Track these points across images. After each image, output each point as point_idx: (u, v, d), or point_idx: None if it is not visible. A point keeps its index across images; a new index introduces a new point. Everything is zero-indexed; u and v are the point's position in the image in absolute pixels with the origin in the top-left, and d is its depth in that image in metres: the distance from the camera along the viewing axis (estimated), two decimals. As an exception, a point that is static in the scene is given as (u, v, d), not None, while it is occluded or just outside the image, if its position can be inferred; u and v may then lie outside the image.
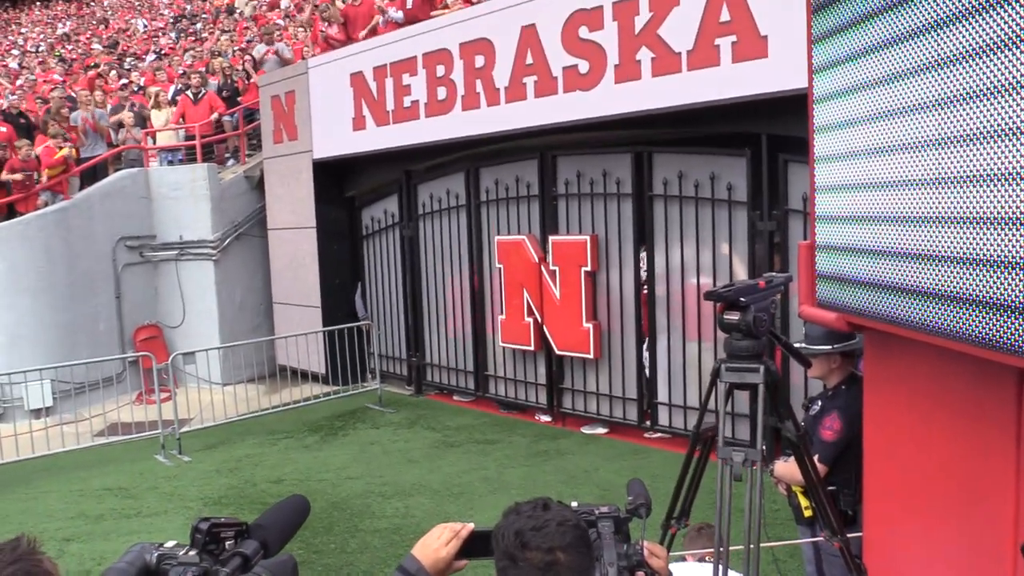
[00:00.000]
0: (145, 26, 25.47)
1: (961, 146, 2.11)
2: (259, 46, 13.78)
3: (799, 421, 2.81)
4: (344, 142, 10.01)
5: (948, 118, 2.15)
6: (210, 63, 14.05)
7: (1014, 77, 1.90)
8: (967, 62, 2.06)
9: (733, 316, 2.39)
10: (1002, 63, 1.93)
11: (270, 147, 11.19)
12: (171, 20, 24.96)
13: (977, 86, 2.02)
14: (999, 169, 1.97)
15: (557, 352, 8.06)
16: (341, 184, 10.67)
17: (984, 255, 2.04)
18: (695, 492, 2.88)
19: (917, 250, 2.36)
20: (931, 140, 2.24)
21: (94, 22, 29.04)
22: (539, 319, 8.11)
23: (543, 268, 8.03)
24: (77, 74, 17.58)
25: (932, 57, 2.21)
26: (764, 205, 6.48)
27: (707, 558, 2.74)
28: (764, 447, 2.37)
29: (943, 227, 2.22)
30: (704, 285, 6.76)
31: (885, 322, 2.60)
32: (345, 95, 9.85)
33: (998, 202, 1.98)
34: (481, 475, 6.84)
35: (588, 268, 7.64)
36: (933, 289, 2.29)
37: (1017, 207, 1.92)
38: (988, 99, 1.99)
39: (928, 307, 2.32)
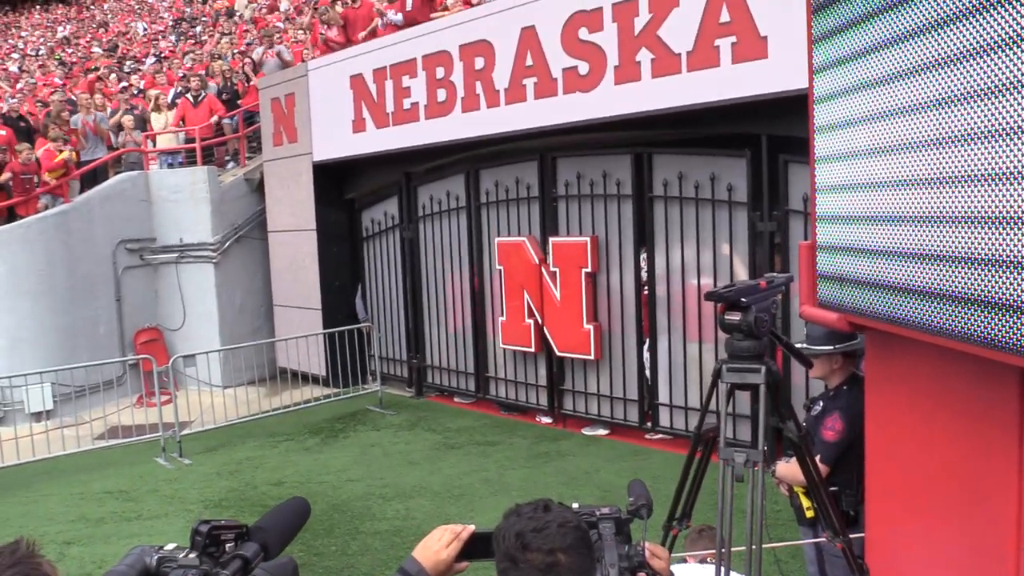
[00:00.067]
0: (145, 29, 25.49)
1: (962, 145, 2.10)
2: (259, 49, 13.78)
3: (800, 421, 2.80)
4: (344, 144, 10.01)
5: (949, 117, 2.15)
6: (210, 66, 14.04)
7: (1014, 76, 1.89)
8: (967, 62, 2.05)
9: (734, 316, 2.38)
10: (1002, 62, 1.93)
11: (270, 150, 11.19)
12: (171, 23, 24.98)
13: (978, 85, 2.02)
14: (1000, 168, 1.97)
15: (558, 353, 8.05)
16: (341, 186, 10.67)
17: (985, 254, 2.04)
18: (696, 493, 2.87)
19: (918, 250, 2.35)
20: (932, 140, 2.24)
21: (94, 25, 29.07)
22: (539, 320, 8.10)
23: (543, 269, 8.03)
24: (77, 77, 17.58)
25: (932, 57, 2.20)
26: (764, 206, 6.47)
27: (708, 559, 2.74)
28: (766, 448, 2.37)
29: (944, 227, 2.22)
30: (705, 286, 6.75)
31: (886, 322, 2.59)
32: (345, 97, 9.85)
33: (999, 201, 1.98)
34: (482, 477, 6.84)
35: (588, 269, 7.64)
36: (934, 289, 2.28)
37: (1018, 206, 1.92)
38: (989, 98, 1.99)
39: (929, 307, 2.31)
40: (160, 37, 23.52)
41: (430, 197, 9.48)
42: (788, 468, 3.43)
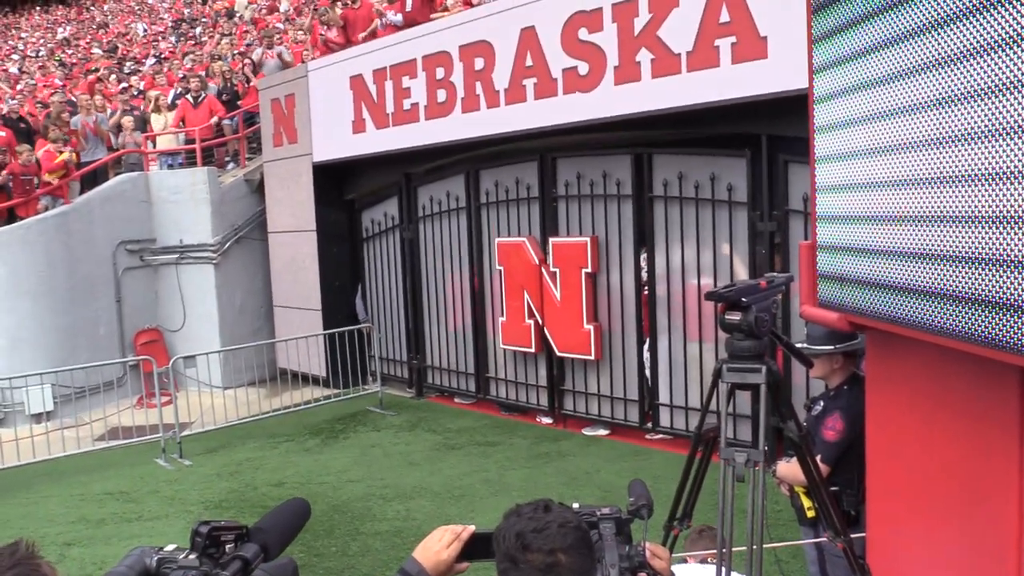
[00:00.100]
0: (145, 30, 25.50)
1: (963, 145, 2.10)
2: (259, 49, 13.78)
3: (801, 421, 2.80)
4: (344, 145, 10.01)
5: (949, 117, 2.15)
6: (210, 67, 14.05)
7: (1014, 76, 1.89)
8: (968, 61, 2.05)
9: (735, 316, 2.38)
10: (1002, 61, 1.93)
11: (270, 150, 11.19)
12: (171, 24, 24.98)
13: (978, 85, 2.02)
14: (1000, 168, 1.96)
15: (558, 354, 8.05)
16: (341, 187, 10.66)
17: (986, 253, 2.04)
18: (697, 493, 2.87)
19: (919, 249, 2.35)
20: (932, 139, 2.24)
21: (94, 26, 29.08)
22: (540, 321, 8.10)
23: (543, 270, 8.03)
24: (77, 79, 17.59)
25: (932, 56, 2.20)
26: (764, 206, 6.47)
27: (709, 559, 2.73)
28: (766, 448, 2.36)
29: (944, 226, 2.21)
30: (705, 286, 6.75)
31: (887, 322, 2.59)
32: (345, 98, 9.85)
33: (999, 200, 1.98)
34: (482, 477, 6.83)
35: (588, 269, 7.64)
36: (935, 288, 2.28)
37: (1018, 206, 1.92)
38: (989, 97, 1.98)
39: (930, 306, 2.31)
40: (160, 38, 23.53)
41: (430, 197, 9.48)
42: (789, 468, 3.43)
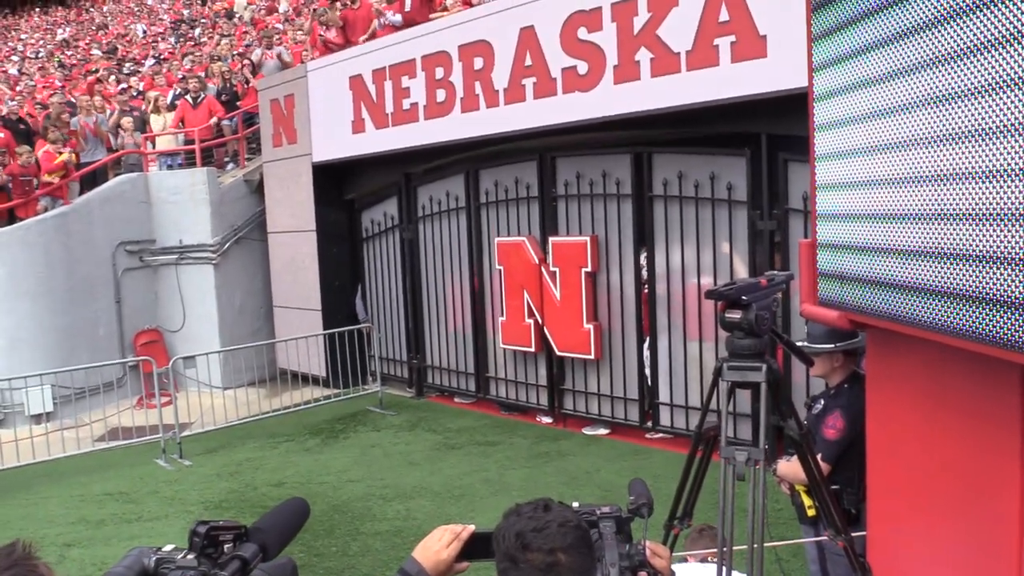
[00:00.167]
0: (144, 31, 25.49)
1: (963, 142, 2.09)
2: (258, 50, 13.78)
3: (802, 420, 2.79)
4: (343, 145, 10.01)
5: (949, 114, 2.14)
6: (209, 67, 14.03)
7: (1014, 73, 1.89)
8: (968, 58, 2.05)
9: (735, 315, 2.37)
10: (1002, 59, 1.92)
11: (269, 151, 11.18)
12: (170, 25, 24.98)
13: (978, 82, 2.01)
14: (1000, 165, 1.96)
15: (558, 353, 8.04)
16: (340, 187, 10.66)
17: (987, 251, 2.03)
18: (698, 492, 2.86)
19: (919, 247, 2.34)
20: (932, 136, 2.23)
21: (93, 28, 29.07)
22: (540, 320, 8.09)
23: (543, 269, 8.02)
24: (76, 80, 17.58)
25: (933, 53, 2.20)
26: (764, 204, 6.47)
27: (709, 559, 2.73)
28: (767, 446, 2.36)
29: (945, 224, 2.21)
30: (704, 285, 6.74)
31: (887, 320, 2.58)
32: (344, 98, 9.84)
33: (999, 198, 1.97)
34: (482, 477, 6.83)
35: (588, 269, 7.63)
36: (936, 286, 2.27)
37: (1018, 202, 1.91)
38: (989, 95, 1.98)
39: (930, 304, 2.31)
40: (159, 39, 23.52)
41: (430, 197, 9.48)
42: (789, 466, 3.42)
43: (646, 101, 6.77)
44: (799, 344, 3.29)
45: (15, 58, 25.72)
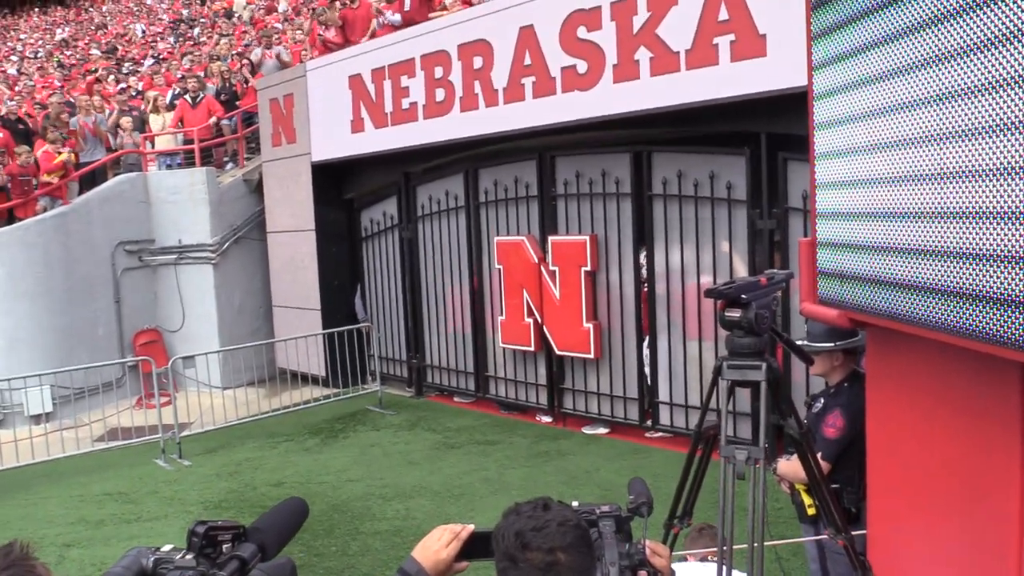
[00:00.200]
0: (143, 31, 25.47)
1: (963, 140, 2.09)
2: (257, 50, 13.77)
3: (802, 418, 2.79)
4: (343, 144, 10.00)
5: (949, 113, 2.14)
6: (208, 67, 14.03)
7: (1015, 71, 1.88)
8: (968, 57, 2.04)
9: (735, 313, 2.37)
10: (1002, 58, 1.92)
11: (269, 150, 11.18)
12: (169, 25, 24.96)
13: (978, 81, 2.01)
14: (1000, 163, 1.96)
15: (557, 352, 8.04)
16: (340, 186, 10.65)
17: (986, 250, 2.03)
18: (697, 491, 2.86)
19: (919, 245, 2.34)
20: (932, 135, 2.23)
21: (92, 27, 29.06)
22: (539, 319, 8.09)
23: (543, 268, 8.02)
24: (75, 79, 17.57)
25: (932, 52, 2.19)
26: (764, 203, 6.47)
27: (709, 558, 2.73)
28: (767, 445, 2.35)
29: (945, 222, 2.21)
30: (704, 284, 6.74)
31: (887, 318, 2.58)
32: (343, 98, 9.84)
33: (999, 196, 1.97)
34: (482, 476, 6.83)
35: (588, 268, 7.63)
36: (935, 284, 2.27)
37: (1018, 201, 1.91)
38: (989, 93, 1.98)
39: (930, 303, 2.30)
40: (158, 39, 23.51)
41: (429, 197, 9.47)
42: (789, 465, 3.42)
43: (645, 100, 6.77)
44: (799, 343, 3.28)
45: (14, 58, 25.71)
